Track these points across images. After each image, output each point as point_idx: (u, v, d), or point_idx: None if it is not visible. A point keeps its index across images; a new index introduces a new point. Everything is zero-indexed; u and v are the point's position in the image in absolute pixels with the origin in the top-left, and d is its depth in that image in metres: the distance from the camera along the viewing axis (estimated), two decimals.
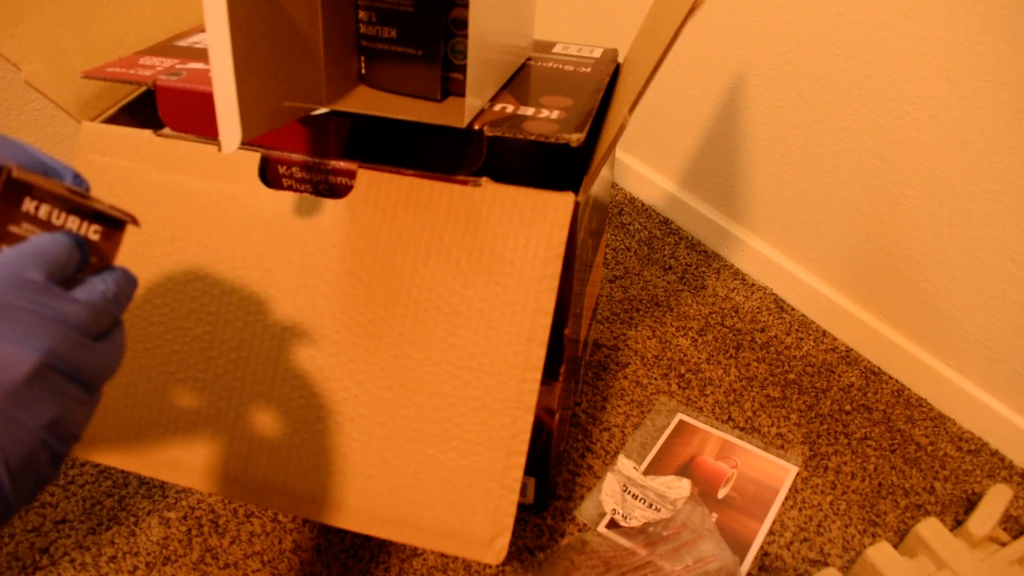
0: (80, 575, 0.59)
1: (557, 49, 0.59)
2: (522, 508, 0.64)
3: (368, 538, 0.62)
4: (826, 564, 0.63)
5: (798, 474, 0.70)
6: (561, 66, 0.55)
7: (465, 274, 0.45)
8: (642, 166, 1.10)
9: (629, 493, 0.66)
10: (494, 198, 0.45)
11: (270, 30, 0.39)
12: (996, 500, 0.63)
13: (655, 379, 0.79)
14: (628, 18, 1.01)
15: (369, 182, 0.46)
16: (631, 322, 0.87)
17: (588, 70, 0.55)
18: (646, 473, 0.69)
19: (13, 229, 0.29)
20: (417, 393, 0.45)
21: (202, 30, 0.60)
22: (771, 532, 0.65)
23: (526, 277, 0.44)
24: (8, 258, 0.27)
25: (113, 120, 0.54)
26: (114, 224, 0.31)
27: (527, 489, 0.62)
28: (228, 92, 0.37)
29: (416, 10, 0.45)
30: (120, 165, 0.50)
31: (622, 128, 0.42)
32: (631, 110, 0.41)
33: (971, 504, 0.68)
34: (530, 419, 0.44)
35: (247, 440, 0.47)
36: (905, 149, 0.73)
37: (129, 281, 0.31)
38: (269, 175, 0.50)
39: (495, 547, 0.44)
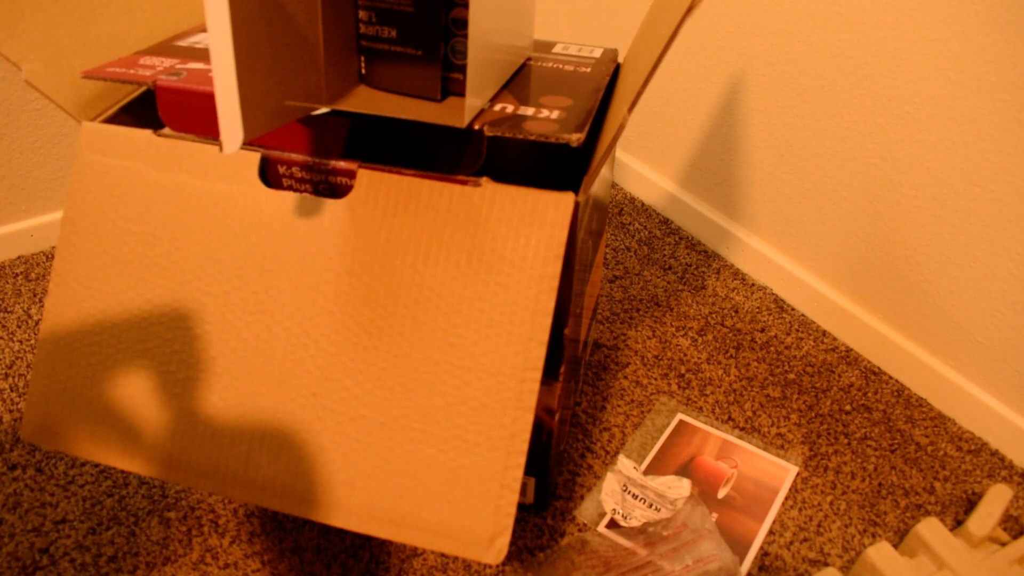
0: (80, 575, 0.59)
1: (557, 49, 0.59)
2: (522, 508, 0.64)
3: (368, 538, 0.62)
4: (826, 564, 0.63)
5: (798, 474, 0.70)
6: (561, 66, 0.55)
7: (465, 274, 0.45)
8: (642, 166, 1.10)
9: (629, 493, 0.66)
10: (494, 198, 0.45)
11: (271, 30, 0.39)
12: (996, 500, 0.63)
13: (655, 379, 0.79)
14: (628, 18, 1.01)
15: (369, 182, 0.46)
16: (631, 322, 0.87)
17: (588, 70, 0.55)
18: (646, 473, 0.69)
19: None
20: (417, 393, 0.45)
21: (202, 30, 0.60)
22: (771, 532, 0.65)
23: (526, 277, 0.44)
24: None
25: (113, 120, 0.54)
26: None
27: (527, 489, 0.62)
28: (230, 92, 0.37)
29: (416, 10, 0.45)
30: (120, 165, 0.50)
31: (622, 128, 0.42)
32: (630, 110, 0.41)
33: (971, 504, 0.68)
34: (530, 419, 0.44)
35: (247, 440, 0.47)
36: (905, 149, 0.73)
37: None
38: (269, 175, 0.50)
39: (495, 547, 0.44)
